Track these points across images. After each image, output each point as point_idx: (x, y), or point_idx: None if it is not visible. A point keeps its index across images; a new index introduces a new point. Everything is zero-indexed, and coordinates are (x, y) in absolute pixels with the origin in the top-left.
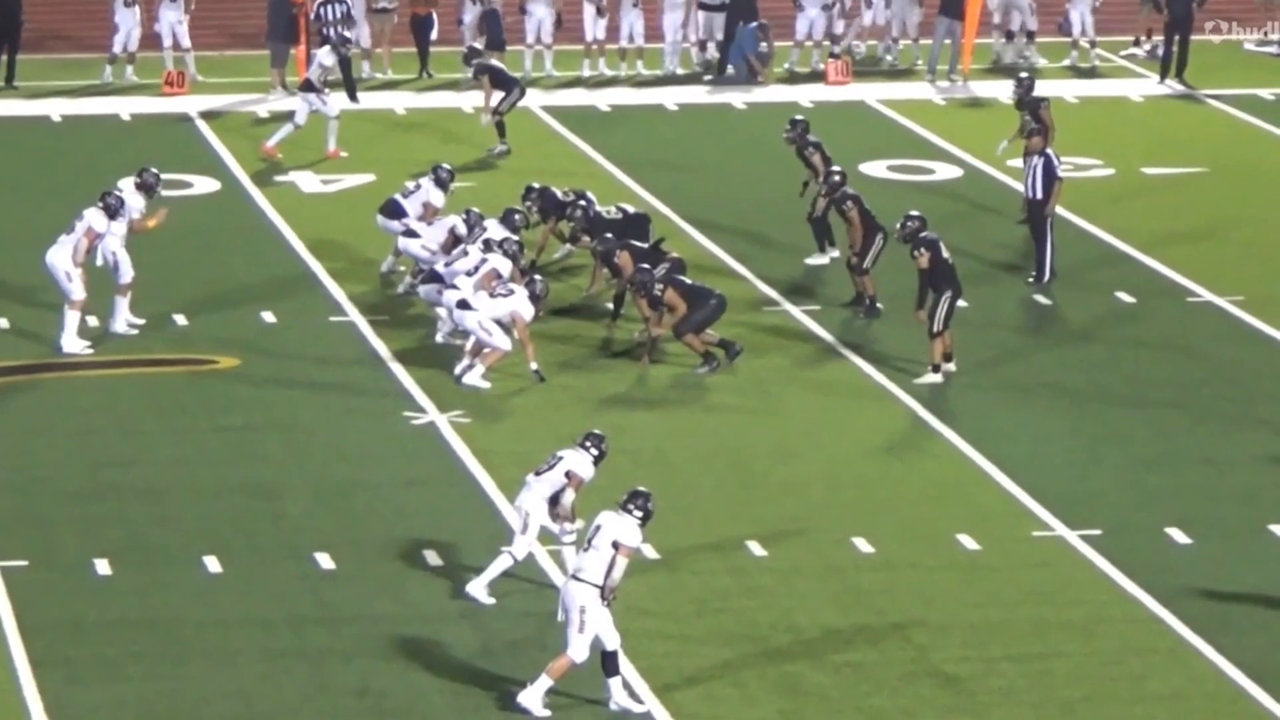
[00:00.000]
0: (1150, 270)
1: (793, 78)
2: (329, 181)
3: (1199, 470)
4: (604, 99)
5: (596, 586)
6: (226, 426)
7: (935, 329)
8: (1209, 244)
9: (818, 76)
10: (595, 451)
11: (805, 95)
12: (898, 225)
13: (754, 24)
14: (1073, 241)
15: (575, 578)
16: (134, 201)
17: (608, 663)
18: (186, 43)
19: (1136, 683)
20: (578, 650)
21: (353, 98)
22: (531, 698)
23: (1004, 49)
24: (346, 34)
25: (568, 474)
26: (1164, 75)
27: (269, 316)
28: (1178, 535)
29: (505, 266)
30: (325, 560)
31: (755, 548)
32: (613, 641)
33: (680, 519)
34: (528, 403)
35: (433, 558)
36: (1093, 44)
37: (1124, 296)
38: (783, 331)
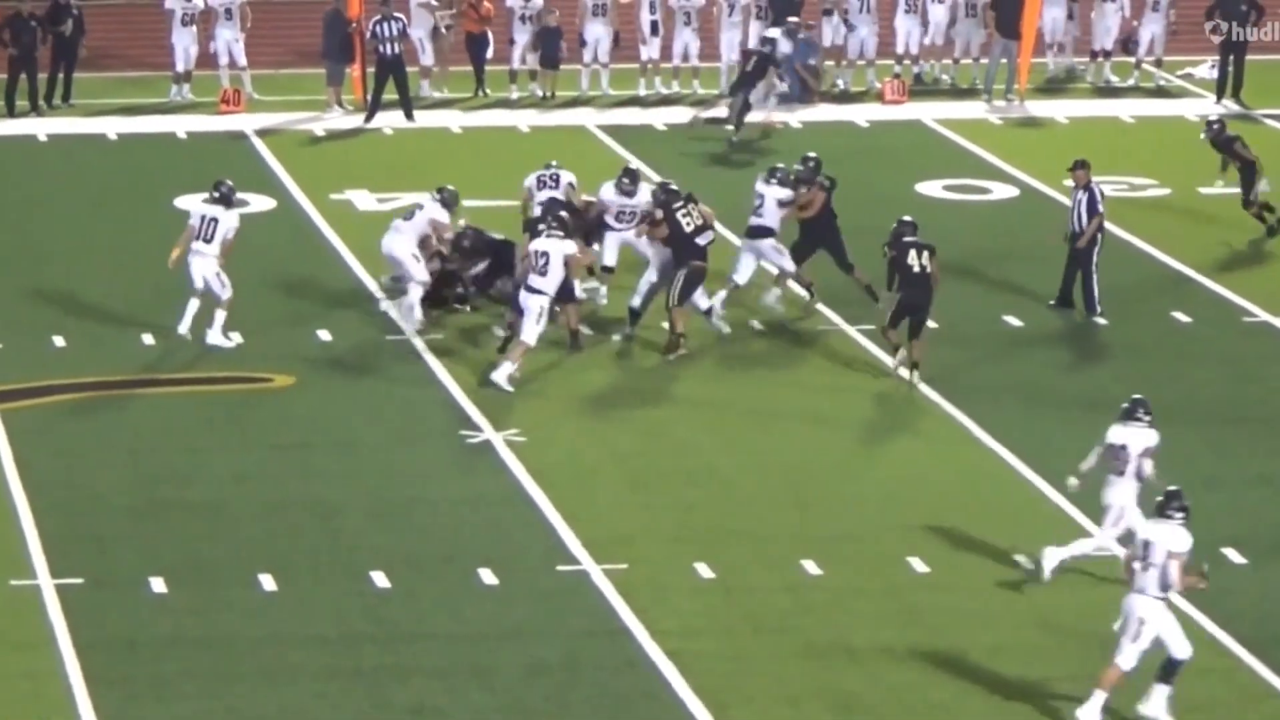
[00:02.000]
0: (1206, 290)
1: (846, 97)
2: (385, 200)
3: (1255, 490)
4: (660, 118)
5: (1159, 599)
6: (282, 444)
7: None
8: (1265, 264)
9: (873, 95)
10: (1148, 416)
11: (861, 115)
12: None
13: (803, 35)
14: (1128, 261)
15: (1139, 592)
16: (229, 221)
17: (1167, 670)
18: (243, 61)
19: (1191, 702)
20: (1126, 658)
21: (409, 116)
22: (1090, 713)
23: (1092, 69)
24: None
25: (1145, 451)
26: (1220, 95)
27: (325, 334)
28: (1233, 555)
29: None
30: (381, 578)
31: (811, 566)
32: (1182, 651)
33: (736, 537)
34: (582, 421)
35: (488, 576)
36: (1159, 63)
37: (1179, 316)
38: (838, 351)
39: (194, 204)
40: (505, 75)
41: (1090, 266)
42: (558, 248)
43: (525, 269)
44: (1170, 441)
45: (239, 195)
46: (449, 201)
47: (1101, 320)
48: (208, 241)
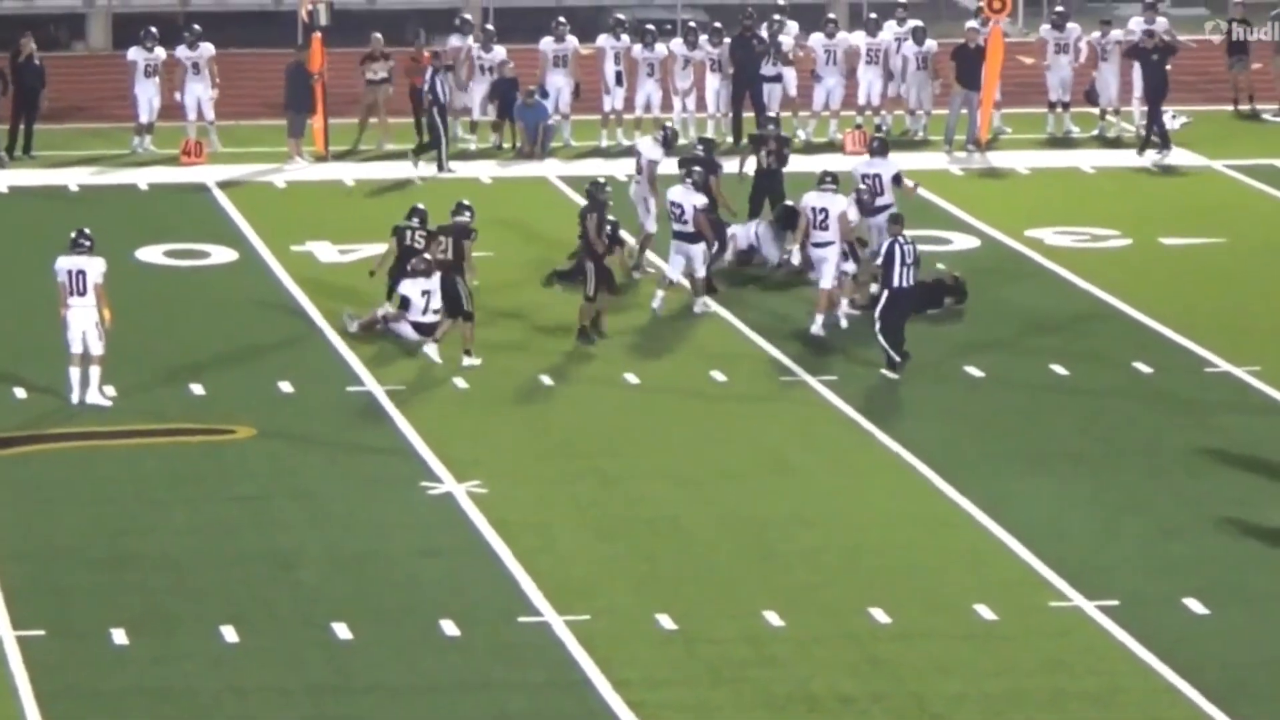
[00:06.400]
0: (1167, 340)
1: (809, 148)
2: (346, 251)
3: (1216, 540)
4: (622, 169)
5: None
6: (243, 496)
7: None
8: (1226, 314)
9: (834, 147)
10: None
11: (822, 166)
12: None
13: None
14: (1090, 311)
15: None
16: (96, 267)
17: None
18: (211, 115)
19: None
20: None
21: (408, 159)
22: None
23: (1057, 120)
24: None
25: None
26: (1142, 148)
27: (286, 386)
28: (1195, 605)
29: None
30: (342, 630)
31: (772, 617)
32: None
33: (698, 588)
34: (544, 472)
35: (449, 628)
36: (1116, 112)
37: (1141, 366)
38: (800, 400)
39: (59, 261)
40: (455, 124)
41: None
42: (836, 203)
43: (806, 228)
44: (1132, 490)
45: (198, 246)
46: (669, 140)
47: (1063, 370)
48: (81, 294)
